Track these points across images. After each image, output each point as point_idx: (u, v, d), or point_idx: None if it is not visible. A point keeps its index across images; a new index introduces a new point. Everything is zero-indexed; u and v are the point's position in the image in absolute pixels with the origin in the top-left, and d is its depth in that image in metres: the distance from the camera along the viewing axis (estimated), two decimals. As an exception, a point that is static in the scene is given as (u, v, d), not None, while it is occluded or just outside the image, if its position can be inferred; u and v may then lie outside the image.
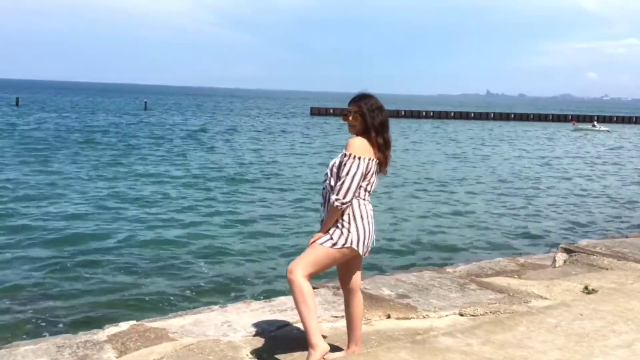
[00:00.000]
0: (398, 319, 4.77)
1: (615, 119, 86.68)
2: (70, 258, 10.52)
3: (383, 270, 9.86)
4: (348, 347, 3.86)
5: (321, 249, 3.57)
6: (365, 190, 3.61)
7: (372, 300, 5.15)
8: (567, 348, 3.68)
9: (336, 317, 4.74)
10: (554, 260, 7.29)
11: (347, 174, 3.50)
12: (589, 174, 27.82)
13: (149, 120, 55.74)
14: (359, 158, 3.52)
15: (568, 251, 7.28)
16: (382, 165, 3.66)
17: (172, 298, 8.51)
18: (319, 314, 4.80)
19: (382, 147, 3.62)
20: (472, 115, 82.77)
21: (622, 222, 16.98)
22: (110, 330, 4.54)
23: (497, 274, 7.44)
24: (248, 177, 22.48)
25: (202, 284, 9.37)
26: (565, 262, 7.13)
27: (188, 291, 8.93)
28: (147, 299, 8.38)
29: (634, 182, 25.64)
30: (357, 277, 3.84)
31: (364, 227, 3.61)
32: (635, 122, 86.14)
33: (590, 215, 17.67)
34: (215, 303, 8.02)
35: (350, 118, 3.67)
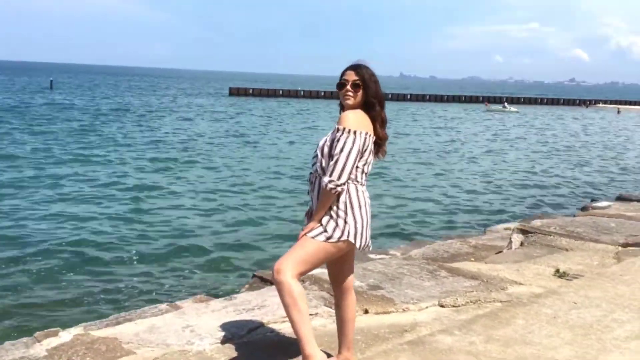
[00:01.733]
0: (377, 313, 4.36)
1: (522, 100, 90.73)
2: None
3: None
4: (339, 352, 3.39)
5: (313, 243, 3.06)
6: (363, 171, 3.13)
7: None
8: (576, 343, 3.41)
9: (311, 314, 4.26)
10: (510, 242, 7.15)
11: (342, 150, 2.99)
12: (505, 153, 28.72)
13: (51, 99, 52.32)
14: (355, 132, 3.02)
15: (524, 232, 7.16)
16: (382, 144, 3.19)
17: (105, 297, 7.66)
18: (279, 313, 4.33)
19: (382, 125, 3.15)
20: (390, 96, 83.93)
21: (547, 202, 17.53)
22: (50, 342, 3.85)
23: (454, 257, 7.25)
24: (175, 157, 21.42)
25: (137, 280, 8.54)
26: (522, 243, 7.00)
27: (123, 288, 8.09)
28: (78, 299, 7.46)
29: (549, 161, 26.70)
30: (350, 274, 3.37)
31: (361, 217, 3.13)
32: (540, 103, 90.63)
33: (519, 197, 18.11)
34: (156, 301, 7.34)
35: (349, 87, 3.16)
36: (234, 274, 9.39)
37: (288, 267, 3.01)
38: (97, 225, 11.68)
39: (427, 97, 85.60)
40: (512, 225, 11.67)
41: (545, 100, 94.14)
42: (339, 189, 3.02)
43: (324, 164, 3.10)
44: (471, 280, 5.20)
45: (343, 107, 3.21)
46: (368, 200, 3.21)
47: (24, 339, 4.17)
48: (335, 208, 3.08)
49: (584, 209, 12.54)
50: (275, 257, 10.23)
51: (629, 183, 21.56)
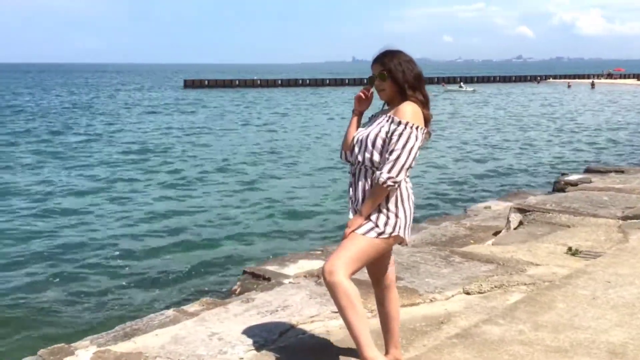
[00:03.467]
0: (404, 305, 4.21)
1: (475, 79, 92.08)
2: None
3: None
4: (387, 351, 3.23)
5: (364, 240, 2.88)
6: (410, 167, 2.96)
7: (363, 286, 4.49)
8: (626, 323, 3.34)
9: (337, 312, 4.08)
10: (508, 221, 7.11)
11: (405, 146, 2.81)
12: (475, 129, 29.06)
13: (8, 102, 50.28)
14: (417, 128, 2.85)
15: (521, 210, 7.13)
16: (427, 126, 2.99)
17: (97, 305, 7.26)
18: (313, 310, 4.16)
19: (424, 104, 2.97)
20: (347, 81, 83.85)
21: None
22: (67, 363, 3.58)
23: (453, 240, 7.18)
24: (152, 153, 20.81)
25: (123, 285, 8.17)
26: (521, 222, 6.97)
27: (115, 295, 7.71)
28: (68, 309, 7.02)
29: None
30: (392, 268, 3.21)
31: (410, 210, 2.98)
32: (494, 81, 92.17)
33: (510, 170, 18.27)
34: (152, 307, 7.02)
35: (376, 82, 2.99)
36: (223, 271, 9.13)
37: (340, 266, 2.82)
38: (75, 227, 11.21)
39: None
40: (490, 203, 11.83)
41: (497, 79, 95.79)
42: (396, 185, 2.85)
43: (375, 157, 2.91)
44: (487, 264, 5.11)
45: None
46: (412, 192, 3.05)
47: (28, 359, 3.89)
48: (384, 203, 2.91)
49: (556, 183, 12.73)
50: (261, 250, 10.03)
51: (589, 153, 22.11)
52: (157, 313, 4.80)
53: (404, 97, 2.94)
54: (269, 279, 6.10)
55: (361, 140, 2.97)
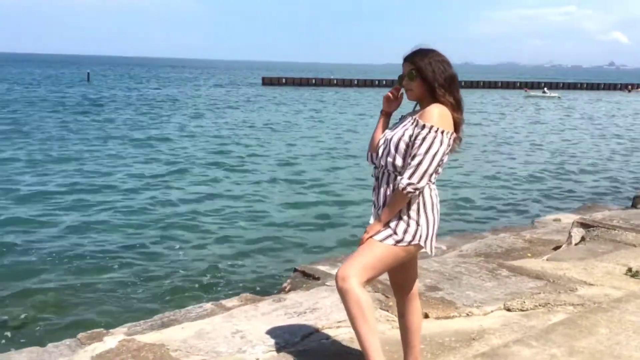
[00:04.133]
0: (438, 318, 4.04)
1: (561, 85, 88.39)
2: (26, 247, 9.32)
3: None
4: (406, 366, 3.09)
5: (382, 247, 2.76)
6: (437, 171, 2.81)
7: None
8: (674, 357, 3.03)
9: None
10: (570, 236, 6.72)
11: (427, 152, 2.66)
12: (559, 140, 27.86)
13: (101, 93, 52.85)
14: (442, 132, 2.69)
15: (585, 225, 6.71)
16: (457, 131, 2.82)
17: (146, 295, 7.46)
18: (342, 315, 4.04)
19: (456, 108, 2.80)
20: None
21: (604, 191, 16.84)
22: (94, 348, 3.65)
23: (509, 252, 6.87)
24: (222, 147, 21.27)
25: (179, 276, 8.34)
26: (583, 238, 6.57)
27: (165, 284, 7.88)
28: (119, 296, 7.29)
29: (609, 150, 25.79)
30: (415, 278, 3.06)
31: (433, 218, 2.82)
32: (580, 88, 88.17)
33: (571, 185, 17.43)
34: (199, 297, 7.14)
35: (404, 82, 2.84)
36: (276, 268, 9.16)
37: (354, 273, 2.71)
38: (137, 217, 11.58)
39: (462, 84, 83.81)
40: (561, 216, 11.26)
41: (585, 86, 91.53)
42: (417, 192, 2.71)
43: (397, 162, 2.77)
44: (536, 280, 4.83)
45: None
46: (438, 199, 2.89)
47: (67, 341, 4.01)
48: (405, 209, 2.77)
49: (636, 198, 11.97)
50: (318, 250, 10.00)
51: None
52: (196, 305, 4.85)
53: (433, 99, 2.79)
54: (318, 279, 6.06)
55: (385, 143, 2.85)
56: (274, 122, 32.31)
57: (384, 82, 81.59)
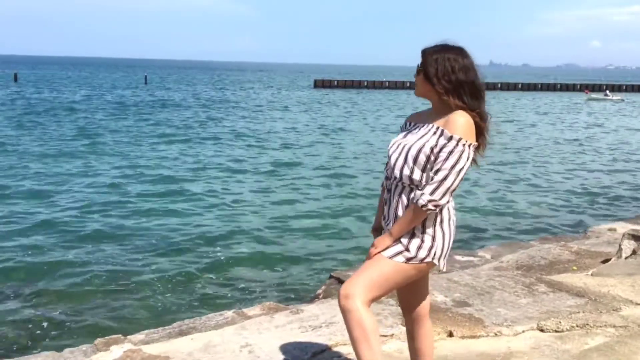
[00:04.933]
0: (463, 337, 3.75)
1: (624, 87, 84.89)
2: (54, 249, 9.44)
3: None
4: (416, 392, 2.83)
5: (391, 264, 2.51)
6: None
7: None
8: None
9: (385, 335, 3.72)
10: (620, 249, 6.25)
11: (454, 167, 2.40)
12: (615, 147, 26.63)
13: (161, 94, 54.12)
14: (469, 146, 2.44)
15: (636, 238, 6.22)
16: (480, 147, 2.56)
17: (177, 300, 7.37)
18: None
19: (477, 113, 2.50)
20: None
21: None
22: (100, 357, 3.55)
23: (552, 265, 6.44)
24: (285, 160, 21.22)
25: (213, 280, 8.22)
26: (634, 251, 6.09)
27: (197, 289, 7.77)
28: (145, 301, 7.18)
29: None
30: (425, 296, 2.80)
31: (450, 232, 2.57)
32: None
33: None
34: (227, 304, 7.00)
35: (415, 75, 2.60)
36: (312, 274, 8.96)
37: (358, 291, 2.47)
38: (176, 219, 11.62)
39: (520, 86, 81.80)
40: (617, 225, 10.61)
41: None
42: (437, 210, 2.46)
43: (415, 175, 2.50)
44: (576, 297, 4.46)
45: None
46: (454, 212, 2.63)
47: (84, 347, 3.94)
48: (420, 223, 2.52)
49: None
50: (357, 256, 9.74)
51: None
52: (216, 313, 4.71)
53: (440, 100, 2.52)
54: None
55: (400, 153, 2.57)
56: (326, 124, 32.17)
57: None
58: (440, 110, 2.53)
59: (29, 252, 9.05)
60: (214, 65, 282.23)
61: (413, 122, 2.67)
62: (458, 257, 8.35)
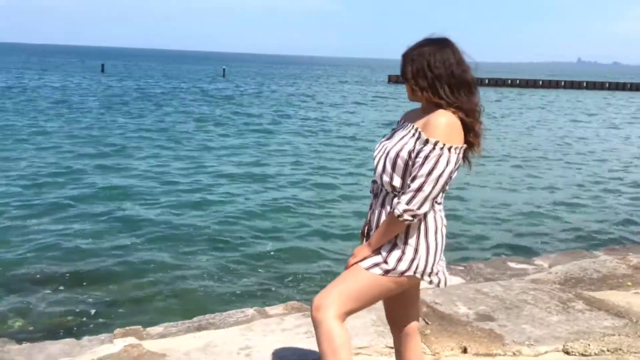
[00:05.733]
0: (477, 354, 3.50)
1: None
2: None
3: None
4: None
5: (367, 276, 2.34)
6: (444, 190, 2.34)
7: (444, 322, 3.90)
8: None
9: (392, 348, 3.52)
10: (682, 266, 5.72)
11: (430, 173, 2.20)
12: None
13: (238, 89, 55.22)
14: (450, 149, 2.21)
15: (702, 255, 5.67)
16: (473, 146, 2.33)
17: (215, 292, 7.36)
18: (366, 340, 3.63)
19: (466, 109, 2.27)
20: (563, 84, 77.72)
21: None
22: (99, 350, 3.56)
23: (604, 280, 5.96)
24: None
25: (255, 274, 8.17)
26: (698, 269, 5.55)
27: (238, 284, 7.71)
28: (177, 292, 7.22)
29: None
30: (414, 313, 2.59)
31: (435, 245, 2.35)
32: None
33: None
34: (253, 301, 6.88)
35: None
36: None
37: (331, 303, 2.31)
38: (232, 207, 11.69)
39: (607, 86, 77.63)
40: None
41: None
42: (415, 220, 2.26)
43: (395, 182, 2.31)
44: (615, 318, 4.08)
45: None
46: (444, 221, 2.41)
47: (102, 336, 3.98)
48: (402, 233, 2.33)
49: None
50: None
51: None
52: (238, 310, 4.65)
53: (429, 100, 2.30)
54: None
55: (380, 157, 2.38)
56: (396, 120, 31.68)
57: (517, 82, 77.69)
58: (427, 109, 2.32)
59: (91, 240, 9.35)
60: (300, 60, 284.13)
61: (404, 120, 2.46)
62: (512, 264, 7.92)
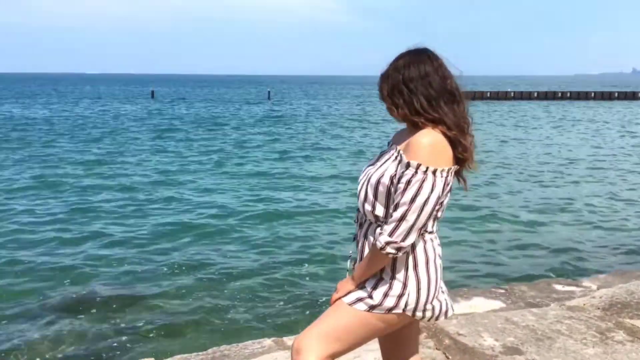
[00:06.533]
0: (499, 392, 3.20)
1: None
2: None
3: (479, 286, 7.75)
4: None
5: (350, 313, 2.12)
6: (435, 217, 2.11)
7: (465, 357, 3.60)
8: None
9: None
10: None
11: (414, 200, 1.96)
12: None
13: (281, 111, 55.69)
14: (434, 172, 1.98)
15: None
16: (465, 162, 2.09)
17: (243, 318, 7.18)
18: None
19: (449, 124, 2.03)
20: (593, 95, 75.53)
21: None
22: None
23: (654, 304, 5.52)
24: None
25: (291, 303, 7.98)
26: None
27: (265, 311, 7.52)
28: (197, 321, 7.05)
29: None
30: (412, 351, 2.34)
31: (428, 279, 2.11)
32: None
33: None
34: (258, 332, 6.65)
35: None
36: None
37: (312, 345, 2.09)
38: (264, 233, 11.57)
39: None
40: None
41: None
42: (400, 253, 2.03)
43: (377, 211, 2.10)
44: (660, 351, 3.69)
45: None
46: (439, 250, 2.16)
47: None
48: (388, 266, 2.10)
49: None
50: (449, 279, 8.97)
51: None
52: (255, 341, 4.49)
53: (405, 118, 2.09)
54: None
55: (362, 184, 2.17)
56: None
57: (568, 95, 75.72)
58: (411, 128, 2.11)
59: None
60: (344, 80, 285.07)
61: (392, 142, 2.24)
62: (557, 287, 7.53)
